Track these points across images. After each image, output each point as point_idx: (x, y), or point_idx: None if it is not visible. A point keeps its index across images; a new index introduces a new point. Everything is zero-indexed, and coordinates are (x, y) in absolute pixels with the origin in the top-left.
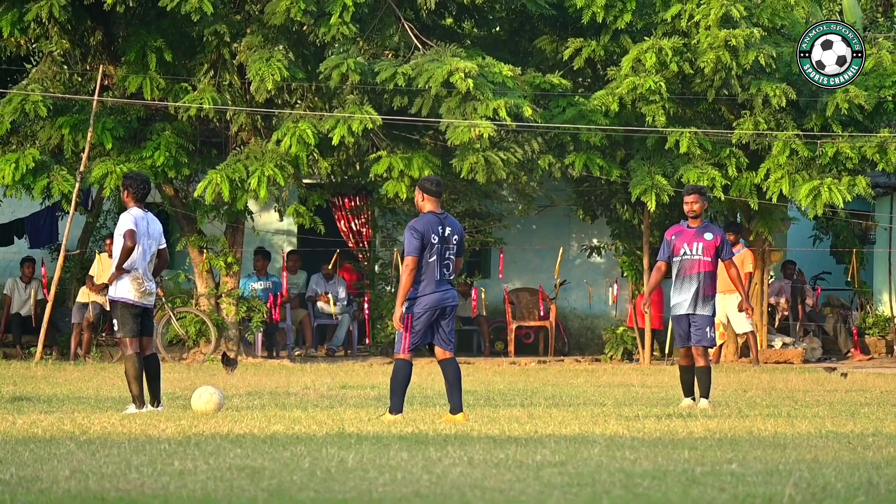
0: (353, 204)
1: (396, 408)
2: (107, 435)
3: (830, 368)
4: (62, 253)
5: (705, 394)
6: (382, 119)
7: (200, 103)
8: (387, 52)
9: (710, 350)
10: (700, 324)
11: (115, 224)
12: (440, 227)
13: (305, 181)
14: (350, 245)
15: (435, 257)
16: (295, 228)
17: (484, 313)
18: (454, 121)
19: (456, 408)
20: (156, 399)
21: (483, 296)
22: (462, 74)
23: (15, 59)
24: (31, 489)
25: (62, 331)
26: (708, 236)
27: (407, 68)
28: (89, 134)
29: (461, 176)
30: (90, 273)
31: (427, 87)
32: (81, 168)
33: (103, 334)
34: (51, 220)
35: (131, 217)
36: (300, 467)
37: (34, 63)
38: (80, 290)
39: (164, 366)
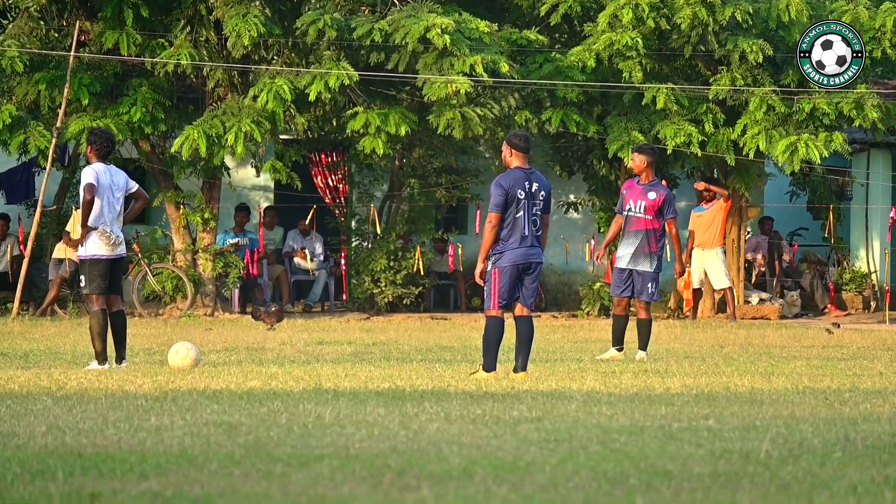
0: (329, 160)
1: (490, 366)
2: (83, 391)
3: (835, 325)
4: (39, 209)
5: (643, 346)
6: (359, 75)
7: (177, 59)
8: (363, 7)
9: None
10: (641, 280)
11: None
12: (527, 183)
13: (282, 137)
14: (327, 201)
15: (522, 213)
16: (272, 184)
17: (461, 269)
18: (431, 77)
19: (520, 367)
20: (120, 357)
21: (460, 251)
22: (439, 30)
23: None
24: (8, 445)
25: (39, 287)
26: (651, 195)
27: (384, 24)
28: (66, 90)
29: (438, 132)
30: (66, 229)
31: (404, 42)
32: (58, 124)
33: (77, 290)
34: (27, 175)
35: (92, 171)
36: (277, 423)
37: (10, 19)
38: (56, 246)
39: (140, 322)
